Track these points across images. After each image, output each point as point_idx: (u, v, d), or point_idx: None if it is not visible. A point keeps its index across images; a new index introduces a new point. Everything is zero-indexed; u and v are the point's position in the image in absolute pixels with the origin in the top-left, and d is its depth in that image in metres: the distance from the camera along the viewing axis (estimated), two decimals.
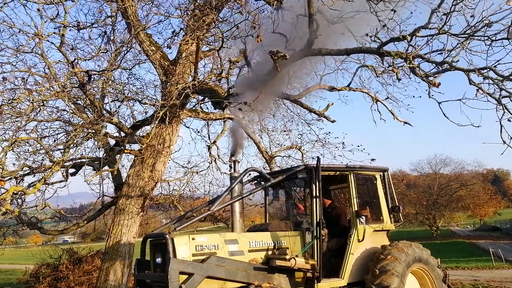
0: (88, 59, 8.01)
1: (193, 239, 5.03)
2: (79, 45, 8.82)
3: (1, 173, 6.42)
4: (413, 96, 9.87)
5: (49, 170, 6.95)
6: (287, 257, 5.36)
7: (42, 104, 7.00)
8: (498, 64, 5.46)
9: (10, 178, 7.51)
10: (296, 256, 5.47)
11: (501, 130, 5.47)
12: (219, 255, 5.10)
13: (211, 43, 9.09)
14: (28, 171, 8.23)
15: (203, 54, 9.37)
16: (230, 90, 7.63)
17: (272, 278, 5.46)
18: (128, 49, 8.94)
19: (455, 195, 46.37)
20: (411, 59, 5.75)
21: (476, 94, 5.61)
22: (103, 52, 8.18)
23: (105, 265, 8.70)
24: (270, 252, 5.63)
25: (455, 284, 10.41)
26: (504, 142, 5.45)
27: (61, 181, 8.26)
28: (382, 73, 8.97)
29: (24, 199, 8.03)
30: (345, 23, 7.31)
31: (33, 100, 6.30)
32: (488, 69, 5.52)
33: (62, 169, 7.46)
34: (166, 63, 9.09)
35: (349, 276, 6.02)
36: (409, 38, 5.81)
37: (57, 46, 7.45)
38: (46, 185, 8.34)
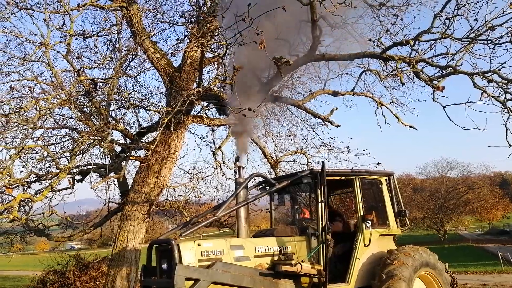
0: (94, 67, 8.11)
1: (198, 245, 5.05)
2: (85, 53, 8.94)
3: (9, 180, 6.48)
4: (418, 100, 9.83)
5: (56, 177, 7.01)
6: (293, 262, 5.36)
7: (48, 112, 7.07)
8: (502, 67, 5.46)
9: (18, 186, 7.58)
10: (302, 261, 5.46)
11: (506, 133, 5.45)
12: (225, 261, 5.11)
13: (215, 50, 9.17)
14: (35, 178, 8.30)
15: (207, 60, 9.43)
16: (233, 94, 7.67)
17: (278, 284, 5.46)
18: (133, 57, 9.05)
19: (462, 198, 45.93)
20: (414, 63, 5.77)
21: (480, 98, 5.60)
22: (108, 60, 8.28)
23: (111, 271, 8.73)
24: (276, 258, 5.62)
25: None
26: (510, 145, 5.42)
27: (67, 188, 8.34)
28: (386, 78, 8.95)
29: (31, 206, 8.10)
30: (348, 28, 7.34)
31: (40, 108, 6.37)
32: (492, 73, 5.52)
33: (68, 176, 7.52)
34: (171, 70, 9.17)
35: (355, 281, 5.99)
36: (412, 42, 5.82)
37: (63, 55, 7.54)
38: (53, 192, 8.41)
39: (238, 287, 5.10)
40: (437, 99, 6.11)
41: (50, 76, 8.01)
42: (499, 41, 5.35)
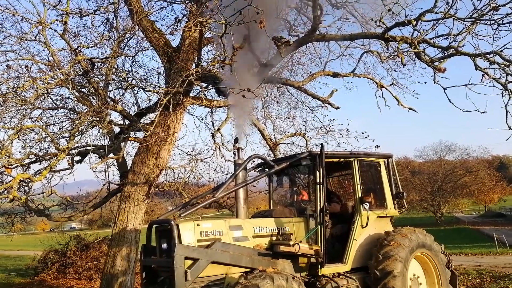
0: (91, 47, 7.99)
1: (198, 225, 5.08)
2: (82, 32, 8.82)
3: (8, 160, 6.47)
4: (419, 82, 9.79)
5: (55, 157, 7.01)
6: (291, 242, 5.40)
7: (46, 92, 7.01)
8: (505, 48, 5.40)
9: (17, 166, 7.58)
10: (300, 242, 5.52)
11: (506, 116, 5.42)
12: (223, 241, 5.15)
13: (214, 29, 9.03)
14: (34, 159, 8.30)
15: (206, 40, 9.30)
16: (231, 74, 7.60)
17: (276, 264, 5.52)
18: (131, 36, 8.91)
19: (460, 181, 46.24)
20: (416, 44, 5.69)
21: (481, 80, 5.55)
22: (106, 40, 8.16)
23: (112, 251, 8.82)
24: (274, 238, 5.68)
25: (458, 269, 10.46)
26: (510, 128, 5.40)
27: (67, 169, 8.35)
28: (387, 59, 8.87)
29: (31, 187, 8.12)
30: (349, 8, 7.21)
31: (37, 88, 6.30)
32: (495, 54, 5.45)
33: (67, 156, 7.52)
34: (170, 50, 9.05)
35: (352, 261, 6.07)
36: (414, 22, 5.73)
37: (60, 34, 7.42)
38: (52, 173, 8.42)
39: (237, 267, 5.16)
40: (438, 81, 6.07)
41: (47, 56, 7.91)
42: (502, 21, 5.27)
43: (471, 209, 61.32)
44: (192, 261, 4.77)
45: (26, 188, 8.61)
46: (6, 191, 6.28)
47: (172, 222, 4.90)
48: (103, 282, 8.87)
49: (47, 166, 7.17)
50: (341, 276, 5.92)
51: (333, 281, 5.70)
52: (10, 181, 6.75)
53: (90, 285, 13.10)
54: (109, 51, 8.35)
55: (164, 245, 5.25)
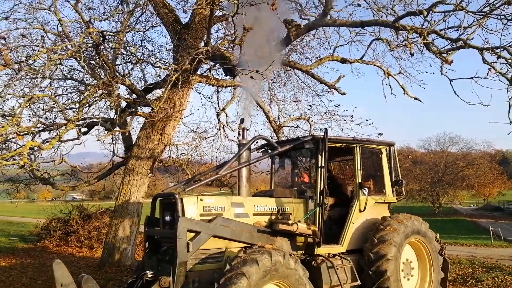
0: (104, 20, 8.02)
1: (201, 200, 5.24)
2: (94, 4, 8.82)
3: (18, 128, 6.61)
4: (426, 72, 9.83)
5: (64, 127, 7.15)
6: (290, 222, 5.57)
7: (59, 62, 7.08)
8: None
9: (26, 134, 7.74)
10: (299, 221, 5.68)
11: (509, 110, 5.49)
12: (225, 217, 5.32)
13: (225, 8, 9.02)
14: (42, 128, 8.45)
15: (217, 19, 9.31)
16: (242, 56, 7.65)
17: (275, 241, 5.70)
18: (144, 11, 8.92)
19: (460, 173, 46.38)
20: (425, 34, 5.73)
21: (488, 73, 5.60)
22: (118, 13, 8.17)
23: (114, 222, 9.08)
24: (273, 217, 5.84)
25: (452, 258, 10.67)
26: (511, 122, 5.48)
27: (74, 139, 8.50)
28: (396, 47, 8.88)
29: (41, 154, 8.30)
30: None
31: (50, 58, 6.38)
32: (503, 49, 5.49)
33: (75, 127, 7.66)
34: (179, 27, 9.07)
35: (348, 243, 6.24)
36: (425, 13, 5.75)
37: (73, 5, 7.46)
38: (60, 142, 8.58)
39: (237, 242, 5.35)
40: (445, 72, 6.12)
41: (57, 26, 7.95)
42: None
43: (470, 202, 61.62)
44: (194, 233, 4.95)
45: (32, 156, 8.80)
46: (17, 157, 6.44)
47: (177, 196, 5.06)
48: (105, 251, 9.16)
49: (56, 136, 7.32)
50: (336, 257, 6.10)
51: (328, 261, 5.88)
52: (19, 147, 6.91)
53: (91, 253, 13.46)
54: (119, 25, 8.39)
55: (167, 217, 5.42)
